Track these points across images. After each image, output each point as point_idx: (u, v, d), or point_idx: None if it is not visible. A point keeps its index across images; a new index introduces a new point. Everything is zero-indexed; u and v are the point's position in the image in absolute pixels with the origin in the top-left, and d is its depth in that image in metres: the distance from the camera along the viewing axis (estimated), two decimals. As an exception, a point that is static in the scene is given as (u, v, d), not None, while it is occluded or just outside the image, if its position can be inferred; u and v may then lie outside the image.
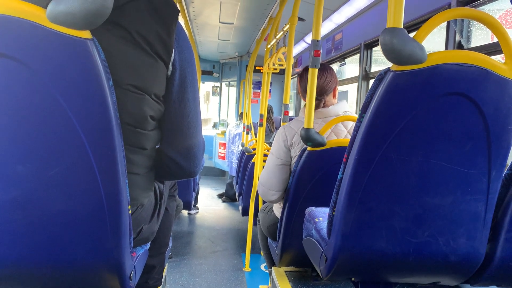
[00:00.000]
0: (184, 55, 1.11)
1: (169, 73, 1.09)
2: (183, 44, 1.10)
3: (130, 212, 1.03)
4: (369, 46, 3.81)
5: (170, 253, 3.75)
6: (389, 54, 1.00)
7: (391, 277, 1.27)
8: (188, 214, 5.64)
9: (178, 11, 1.09)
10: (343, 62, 4.66)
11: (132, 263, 1.12)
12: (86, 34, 0.85)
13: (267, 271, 3.64)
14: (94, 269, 1.02)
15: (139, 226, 1.20)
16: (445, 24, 2.51)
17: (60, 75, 0.87)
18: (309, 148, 1.82)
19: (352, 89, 4.64)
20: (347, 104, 2.14)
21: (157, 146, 1.19)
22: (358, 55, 3.97)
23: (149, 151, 1.13)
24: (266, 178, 2.10)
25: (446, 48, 2.51)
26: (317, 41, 1.86)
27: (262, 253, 2.68)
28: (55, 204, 0.95)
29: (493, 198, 1.16)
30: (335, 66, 4.88)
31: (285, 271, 2.23)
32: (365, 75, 3.86)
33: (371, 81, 3.83)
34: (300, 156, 1.87)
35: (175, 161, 1.18)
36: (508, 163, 1.18)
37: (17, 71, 0.85)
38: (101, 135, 0.92)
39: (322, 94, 2.06)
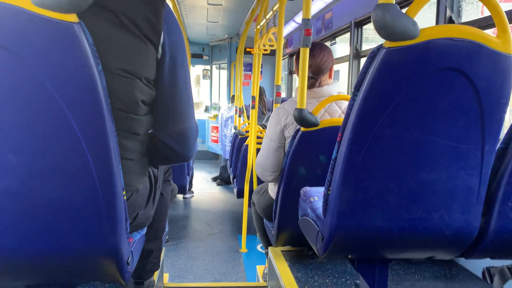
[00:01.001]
0: (173, 37, 1.09)
1: (159, 56, 1.07)
2: (172, 26, 1.08)
3: (125, 198, 1.02)
4: (360, 24, 3.78)
5: (167, 237, 3.76)
6: (382, 30, 0.99)
7: (387, 253, 1.29)
8: (183, 198, 5.66)
9: None
10: (333, 41, 4.62)
11: (129, 248, 1.12)
12: (72, 18, 0.83)
13: (263, 252, 3.68)
14: (91, 256, 1.01)
15: (134, 212, 1.20)
16: (435, -1, 2.50)
17: (47, 61, 0.85)
18: (302, 129, 1.81)
19: (343, 69, 4.62)
20: (342, 84, 2.14)
21: (150, 131, 1.17)
22: (349, 34, 3.94)
23: (142, 136, 1.12)
24: (262, 159, 2.12)
25: (437, 23, 2.49)
26: (308, 19, 1.84)
27: (258, 234, 2.70)
28: (49, 192, 0.94)
29: (487, 173, 1.16)
30: (326, 46, 4.84)
31: (282, 251, 2.26)
32: (356, 54, 3.84)
33: (362, 60, 3.82)
34: (293, 137, 1.87)
35: (168, 145, 1.17)
36: (501, 137, 1.19)
37: (3, 58, 0.83)
38: (92, 121, 0.91)
39: (318, 73, 2.05)
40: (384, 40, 1.01)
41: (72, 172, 0.94)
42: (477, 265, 2.01)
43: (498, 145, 1.20)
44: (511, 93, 1.10)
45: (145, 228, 1.35)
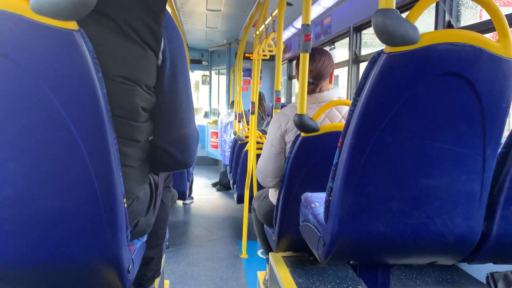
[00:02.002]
0: (173, 43, 1.08)
1: (159, 62, 1.07)
2: (172, 33, 1.08)
3: (125, 205, 1.01)
4: (358, 29, 3.79)
5: (167, 244, 3.75)
6: (382, 35, 0.99)
7: (389, 259, 1.28)
8: (183, 204, 5.64)
9: (166, 0, 1.06)
10: (332, 46, 4.64)
11: (130, 256, 1.11)
12: (72, 25, 0.83)
13: (264, 257, 3.66)
14: (91, 264, 1.00)
15: (135, 219, 1.19)
16: (434, 4, 2.50)
17: (47, 68, 0.84)
18: (302, 134, 1.81)
19: (342, 73, 4.63)
20: (342, 90, 2.14)
21: (150, 138, 1.17)
22: (348, 38, 3.95)
23: (142, 143, 1.12)
24: (263, 165, 2.12)
25: (436, 28, 2.50)
26: (307, 25, 1.84)
27: (258, 240, 2.69)
28: (49, 200, 0.93)
29: (489, 177, 1.16)
30: (325, 51, 4.85)
31: (283, 257, 2.25)
32: (355, 59, 3.84)
33: (362, 65, 3.82)
34: (294, 142, 1.86)
35: (169, 152, 1.16)
36: (503, 141, 1.18)
37: (3, 66, 0.83)
38: (92, 129, 0.90)
39: (319, 78, 2.05)
40: (384, 46, 1.01)
41: (72, 180, 0.93)
42: (479, 270, 2.00)
43: (500, 149, 1.19)
44: (512, 98, 1.10)
45: (146, 236, 1.34)
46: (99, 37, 0.96)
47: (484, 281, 1.92)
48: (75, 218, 0.96)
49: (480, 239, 1.22)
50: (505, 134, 1.21)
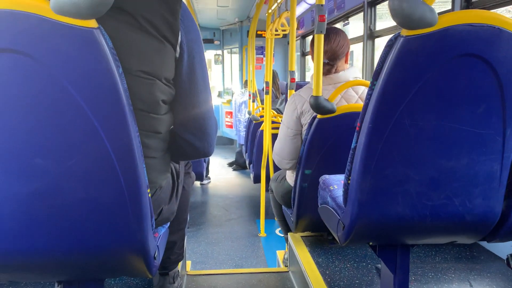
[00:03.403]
0: (190, 35, 1.09)
1: (177, 55, 1.08)
2: (188, 24, 1.09)
3: (149, 195, 1.04)
4: (373, 3, 3.71)
5: (188, 225, 3.83)
6: (399, 19, 0.98)
7: (408, 239, 1.29)
8: (201, 184, 5.72)
9: None
10: (346, 22, 4.56)
11: (155, 243, 1.15)
12: (92, 23, 0.84)
13: (282, 236, 3.72)
14: (119, 253, 1.04)
15: (159, 208, 1.23)
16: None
17: (69, 66, 0.86)
18: (319, 116, 1.81)
19: (357, 49, 4.56)
20: (358, 70, 2.11)
21: (171, 128, 1.19)
22: (362, 13, 3.88)
23: (163, 134, 1.14)
24: (279, 148, 2.13)
25: (453, 1, 2.44)
26: (322, 5, 1.82)
27: (276, 219, 2.73)
28: (76, 193, 0.96)
29: (509, 157, 1.16)
30: (338, 26, 4.78)
31: (301, 237, 2.28)
32: (370, 34, 3.78)
33: (376, 40, 3.76)
34: (310, 124, 1.87)
35: (189, 142, 1.18)
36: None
37: (27, 65, 0.85)
38: (115, 123, 0.93)
39: (334, 59, 2.02)
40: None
41: (98, 173, 0.96)
42: (499, 247, 2.01)
43: (520, 129, 1.18)
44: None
45: (169, 222, 1.38)
46: (118, 33, 0.97)
47: (503, 257, 1.93)
48: (102, 209, 0.99)
49: (500, 218, 1.22)
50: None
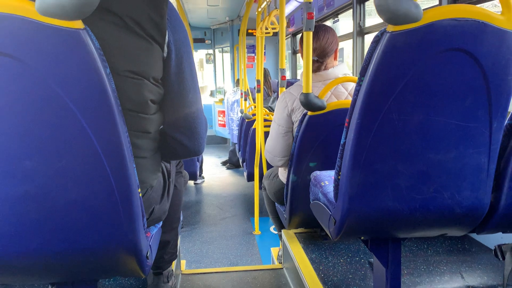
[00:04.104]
0: (178, 35, 1.09)
1: (165, 55, 1.08)
2: (175, 24, 1.09)
3: (140, 195, 1.05)
4: (362, 0, 3.73)
5: (182, 224, 3.83)
6: (385, 14, 0.99)
7: (399, 233, 1.31)
8: (194, 184, 5.72)
9: None
10: (336, 19, 4.57)
11: (148, 243, 1.15)
12: (78, 24, 0.84)
13: (276, 233, 3.73)
14: (111, 253, 1.04)
15: (150, 207, 1.23)
16: (438, -29, 2.45)
17: (56, 67, 0.86)
18: (309, 113, 1.82)
19: (347, 46, 4.58)
20: (346, 66, 2.12)
21: (160, 128, 1.19)
22: (351, 10, 3.89)
23: (153, 134, 1.14)
24: (271, 145, 2.14)
25: (441, -3, 2.46)
26: (310, 3, 1.83)
27: (270, 217, 2.74)
28: (67, 194, 0.96)
29: (496, 149, 1.17)
30: (328, 24, 4.80)
31: (295, 233, 2.29)
32: (360, 31, 3.80)
33: (366, 36, 3.78)
34: (301, 121, 1.88)
35: (179, 141, 1.19)
36: (509, 113, 1.19)
37: (13, 68, 0.85)
38: (104, 124, 0.93)
39: (323, 56, 2.04)
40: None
41: (88, 174, 0.96)
42: (489, 239, 2.03)
43: (506, 121, 1.20)
44: (517, 70, 1.10)
45: (161, 221, 1.38)
46: (105, 33, 0.97)
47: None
48: (93, 210, 0.99)
49: (489, 210, 1.24)
50: (512, 106, 1.21)
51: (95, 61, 0.87)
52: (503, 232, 1.34)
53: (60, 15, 0.81)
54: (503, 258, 1.31)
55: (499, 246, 1.34)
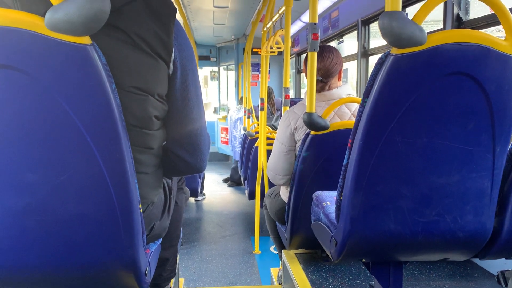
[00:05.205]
0: (184, 53, 1.11)
1: (170, 72, 1.09)
2: (182, 42, 1.10)
3: (141, 210, 1.04)
4: (366, 22, 3.77)
5: (181, 241, 3.80)
6: (389, 37, 1.00)
7: (401, 256, 1.29)
8: (195, 201, 5.69)
9: (175, 10, 1.08)
10: (341, 40, 4.62)
11: (147, 259, 1.14)
12: (85, 40, 0.85)
13: (277, 253, 3.69)
14: (110, 269, 1.04)
15: (151, 223, 1.22)
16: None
17: (63, 82, 0.87)
18: (312, 132, 1.82)
19: (351, 67, 4.61)
20: (350, 87, 2.14)
21: (163, 144, 1.19)
22: (356, 31, 3.93)
23: (156, 150, 1.14)
24: (273, 163, 2.13)
25: (445, 21, 2.48)
26: (315, 24, 1.85)
27: (271, 236, 2.71)
28: (68, 208, 0.96)
29: (499, 174, 1.17)
30: (333, 44, 4.84)
31: (295, 254, 2.27)
32: (364, 52, 3.83)
33: (370, 58, 3.81)
34: (304, 140, 1.88)
35: (182, 158, 1.19)
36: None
37: (21, 81, 0.86)
38: (107, 139, 0.93)
39: (327, 76, 2.05)
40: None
41: (89, 188, 0.96)
42: (492, 264, 2.00)
43: (510, 146, 1.20)
44: (521, 95, 1.10)
45: (161, 238, 1.37)
46: (111, 49, 0.98)
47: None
48: (93, 224, 0.99)
49: (492, 235, 1.22)
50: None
51: (101, 77, 0.88)
52: (506, 258, 1.32)
53: (68, 31, 0.82)
54: (506, 285, 1.30)
55: (502, 272, 1.33)
